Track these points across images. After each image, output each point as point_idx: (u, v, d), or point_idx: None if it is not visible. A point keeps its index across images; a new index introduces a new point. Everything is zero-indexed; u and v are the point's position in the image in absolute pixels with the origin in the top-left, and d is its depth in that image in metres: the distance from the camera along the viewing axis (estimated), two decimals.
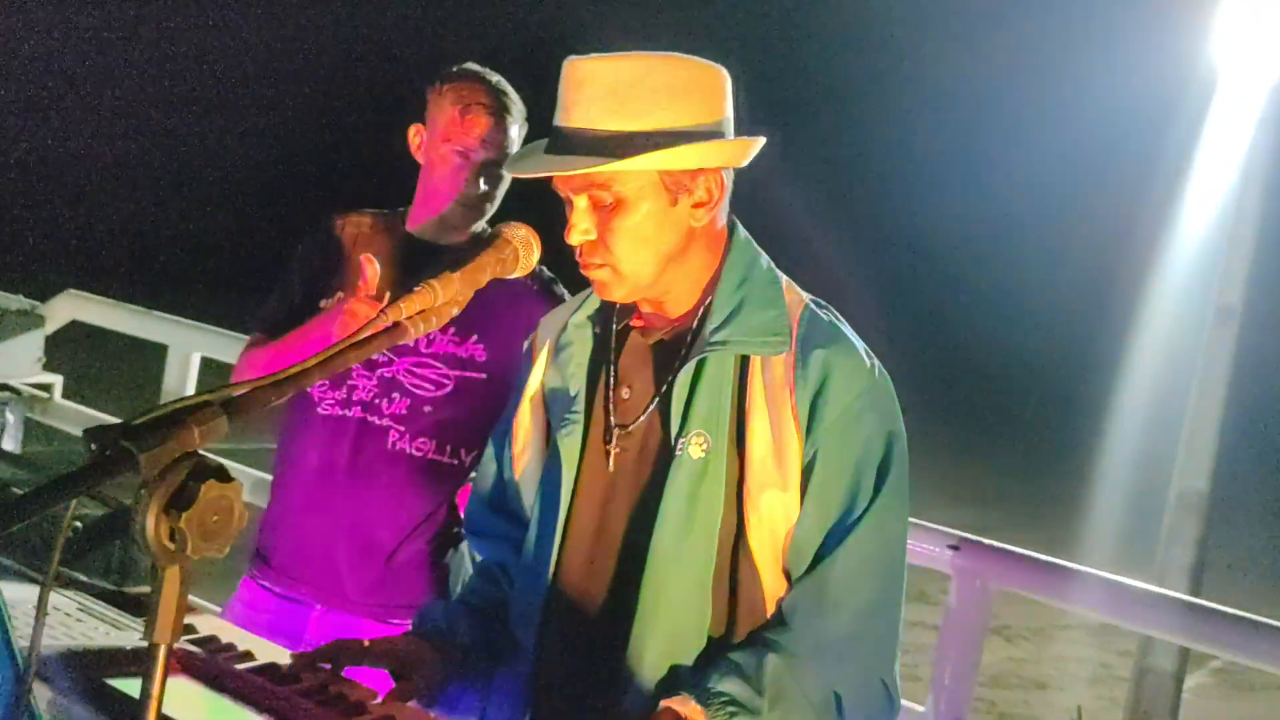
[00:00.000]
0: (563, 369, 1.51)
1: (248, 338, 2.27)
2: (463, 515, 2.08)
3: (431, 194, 2.12)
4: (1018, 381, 17.52)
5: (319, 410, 2.12)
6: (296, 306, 2.16)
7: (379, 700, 1.35)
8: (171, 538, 0.95)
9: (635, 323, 1.49)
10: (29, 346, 3.85)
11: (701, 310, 1.45)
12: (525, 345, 1.60)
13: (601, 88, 1.36)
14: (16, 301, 4.00)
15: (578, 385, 1.49)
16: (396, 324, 1.20)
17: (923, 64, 25.63)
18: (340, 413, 2.10)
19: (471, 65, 2.13)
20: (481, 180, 2.08)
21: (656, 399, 1.44)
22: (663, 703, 1.32)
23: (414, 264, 2.07)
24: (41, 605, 1.00)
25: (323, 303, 2.13)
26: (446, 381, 2.09)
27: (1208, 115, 5.32)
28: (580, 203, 1.39)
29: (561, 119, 1.39)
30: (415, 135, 2.14)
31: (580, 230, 1.40)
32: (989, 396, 16.56)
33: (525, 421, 1.55)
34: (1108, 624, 6.55)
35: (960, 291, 21.32)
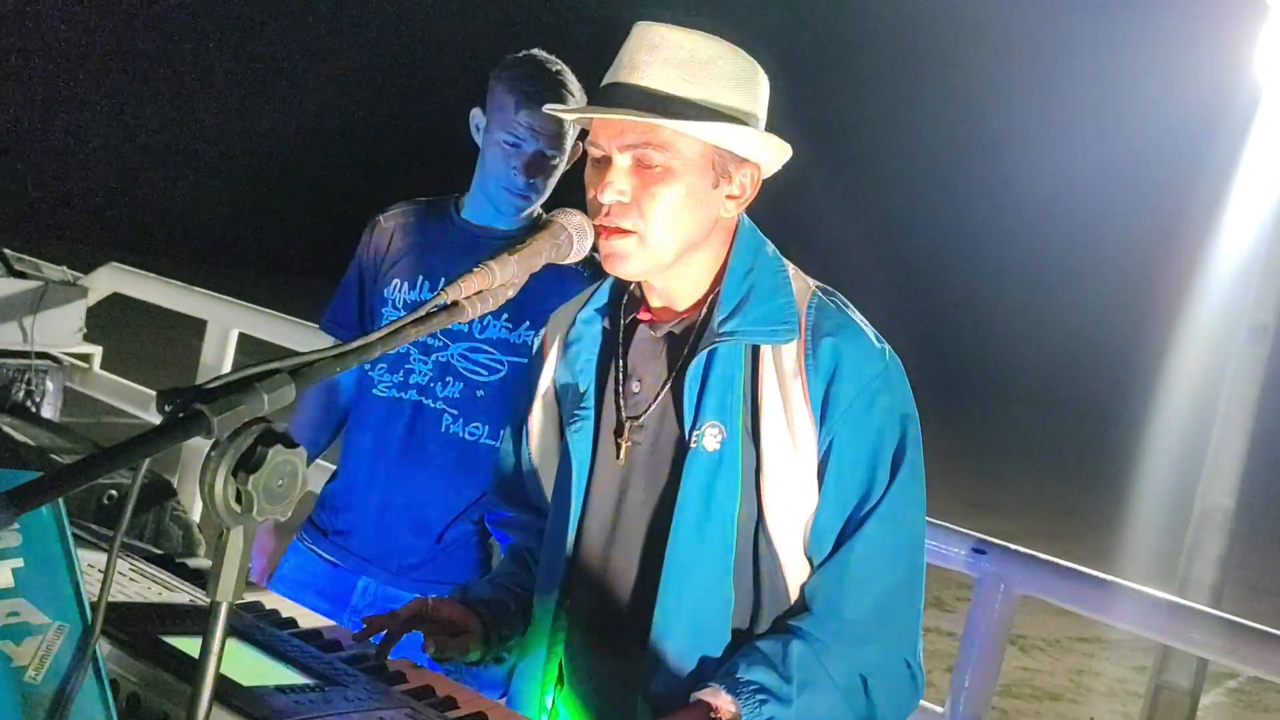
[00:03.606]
0: (572, 365, 1.51)
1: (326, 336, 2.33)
2: None
3: (485, 179, 2.15)
4: (1043, 391, 17.43)
5: (375, 392, 2.17)
6: (363, 300, 2.25)
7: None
8: (238, 499, 0.99)
9: (643, 316, 1.49)
10: (70, 317, 3.92)
11: (709, 301, 1.45)
12: (536, 343, 1.61)
13: (676, 56, 1.36)
14: (60, 273, 4.07)
15: (587, 380, 1.49)
16: (455, 303, 1.22)
17: (963, 73, 25.48)
18: (397, 395, 2.16)
19: (535, 52, 2.14)
20: (531, 170, 2.10)
21: (668, 391, 1.44)
22: (694, 695, 1.33)
23: (467, 247, 2.14)
24: (110, 565, 1.04)
25: (385, 291, 2.20)
26: (499, 367, 2.13)
27: (1249, 133, 5.29)
28: (623, 161, 1.37)
29: (626, 76, 1.37)
30: (475, 119, 2.17)
31: (616, 189, 1.37)
32: (1012, 405, 16.47)
33: (538, 418, 1.56)
34: (1124, 638, 6.52)
35: (990, 299, 21.21)
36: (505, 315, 2.11)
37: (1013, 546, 2.66)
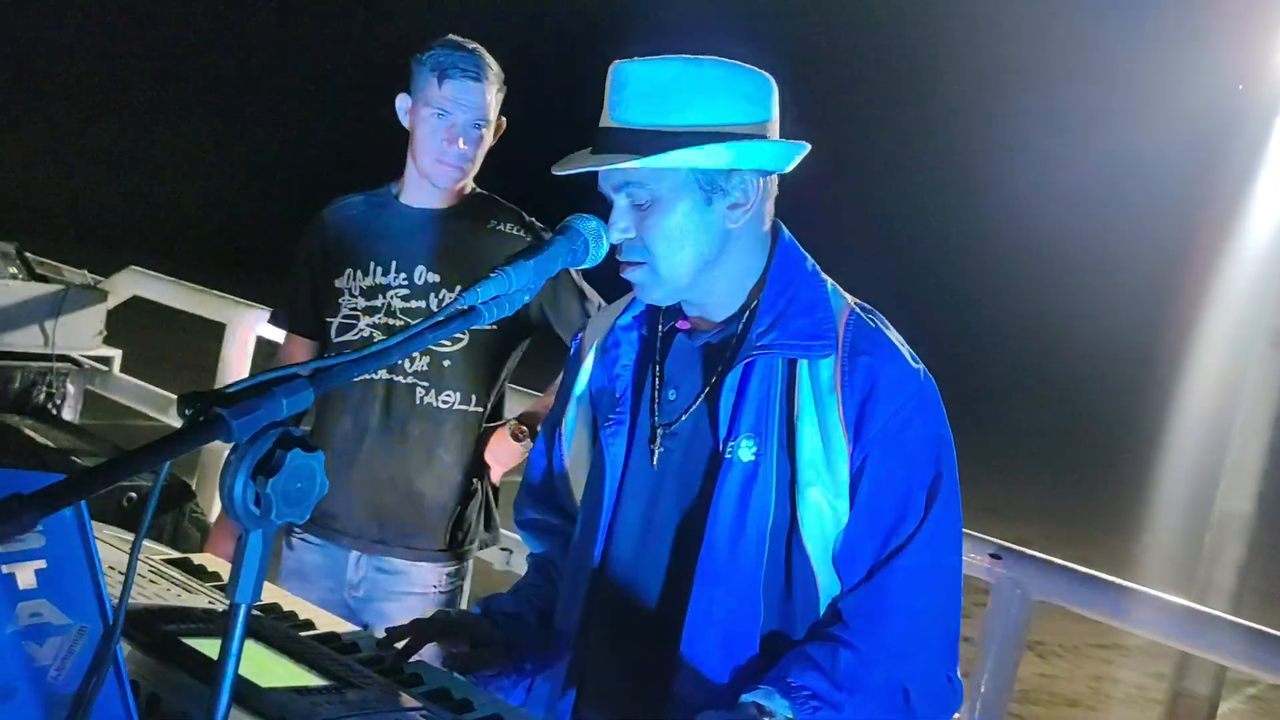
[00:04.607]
0: (609, 370, 1.53)
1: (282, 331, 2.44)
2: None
3: (418, 157, 2.23)
4: (1061, 396, 17.34)
5: None
6: (315, 294, 2.33)
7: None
8: (256, 502, 1.00)
9: (681, 325, 1.50)
10: (91, 320, 3.95)
11: (748, 313, 1.45)
12: (573, 347, 1.63)
13: (640, 89, 1.38)
14: (80, 276, 4.11)
15: (624, 386, 1.50)
16: (472, 307, 1.23)
17: (976, 72, 25.40)
18: (368, 376, 2.22)
19: (451, 36, 2.23)
20: (461, 141, 2.18)
21: (703, 401, 1.45)
22: (744, 696, 1.33)
23: (411, 229, 2.25)
24: (131, 567, 1.05)
25: (337, 282, 2.27)
26: (462, 336, 2.21)
27: (1270, 137, 5.26)
28: (620, 201, 1.40)
29: (603, 119, 1.41)
30: (401, 103, 2.25)
31: (619, 229, 1.40)
32: (1029, 410, 16.40)
33: (574, 422, 1.58)
34: (1143, 645, 6.47)
35: (1006, 303, 21.13)
36: (459, 287, 2.18)
37: (1030, 552, 2.65)
